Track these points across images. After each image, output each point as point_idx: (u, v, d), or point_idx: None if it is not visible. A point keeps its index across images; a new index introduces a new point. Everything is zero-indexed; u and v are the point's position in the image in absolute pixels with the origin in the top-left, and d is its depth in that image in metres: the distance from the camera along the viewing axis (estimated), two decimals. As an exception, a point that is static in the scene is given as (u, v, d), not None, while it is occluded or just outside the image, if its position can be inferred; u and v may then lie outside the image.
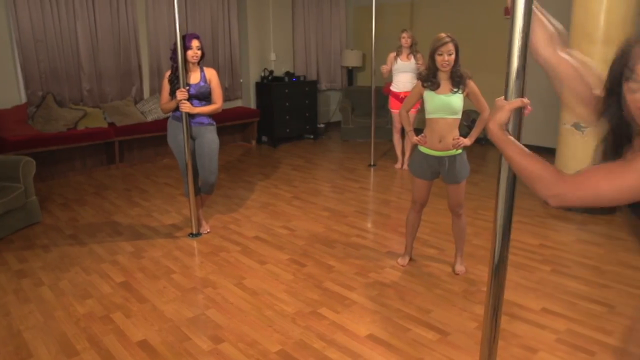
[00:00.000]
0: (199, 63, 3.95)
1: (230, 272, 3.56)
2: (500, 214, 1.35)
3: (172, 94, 3.88)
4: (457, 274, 3.48)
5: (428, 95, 3.27)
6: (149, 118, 6.61)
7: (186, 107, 3.81)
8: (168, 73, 3.95)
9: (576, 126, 4.55)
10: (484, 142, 7.20)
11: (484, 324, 1.46)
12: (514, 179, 1.32)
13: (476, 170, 5.94)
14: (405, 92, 5.82)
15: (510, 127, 1.29)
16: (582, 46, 4.42)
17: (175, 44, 3.76)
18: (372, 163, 6.43)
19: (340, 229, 4.34)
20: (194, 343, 2.73)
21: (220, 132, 4.20)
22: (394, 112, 6.04)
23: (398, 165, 6.31)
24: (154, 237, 4.22)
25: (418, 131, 3.48)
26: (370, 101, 6.50)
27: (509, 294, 3.16)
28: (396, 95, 6.02)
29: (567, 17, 4.67)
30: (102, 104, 6.43)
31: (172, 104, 3.88)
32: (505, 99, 1.30)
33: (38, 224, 4.51)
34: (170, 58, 3.92)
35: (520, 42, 1.21)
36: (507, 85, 1.27)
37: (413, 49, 5.88)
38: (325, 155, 7.21)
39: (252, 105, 7.93)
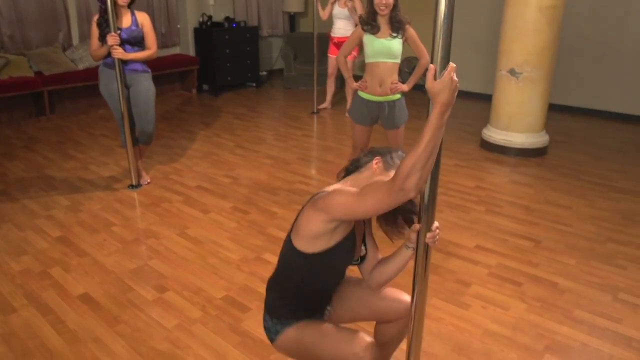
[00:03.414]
0: (129, 6, 3.72)
1: (172, 222, 3.52)
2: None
3: (102, 39, 3.66)
4: (398, 217, 3.59)
5: (368, 39, 3.26)
6: (80, 66, 6.23)
7: (118, 52, 3.62)
8: (96, 17, 3.70)
9: (512, 72, 4.68)
10: (424, 90, 7.29)
11: (416, 260, 1.53)
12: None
13: (416, 117, 6.02)
14: (339, 37, 5.91)
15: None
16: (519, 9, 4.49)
17: (103, -17, 3.52)
18: (315, 110, 6.42)
19: (283, 176, 4.35)
20: (137, 293, 2.72)
21: (158, 80, 4.05)
22: (331, 57, 6.19)
23: (323, 105, 6.52)
24: (91, 190, 4.08)
25: (357, 78, 3.48)
26: (312, 48, 6.40)
27: (445, 234, 3.32)
28: (332, 40, 6.08)
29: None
30: (26, 51, 5.99)
31: (103, 50, 3.67)
32: (433, 40, 1.30)
33: (-37, 180, 4.25)
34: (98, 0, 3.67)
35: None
36: (434, 28, 1.27)
37: None
38: (268, 104, 7.11)
39: (191, 52, 7.62)
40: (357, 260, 1.76)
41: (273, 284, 1.76)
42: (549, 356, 2.26)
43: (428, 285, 1.59)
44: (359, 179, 1.63)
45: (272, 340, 1.74)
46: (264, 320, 1.77)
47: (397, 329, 1.83)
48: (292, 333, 1.70)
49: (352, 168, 1.70)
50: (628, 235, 3.34)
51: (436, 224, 1.50)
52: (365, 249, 1.77)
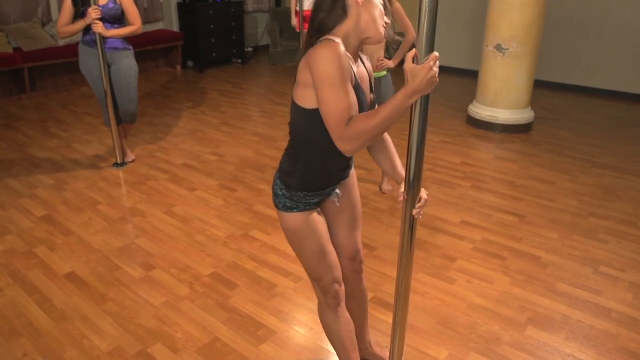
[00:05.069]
0: (107, -19, 3.62)
1: (159, 200, 3.51)
2: (414, 130, 1.38)
3: (77, 17, 3.55)
4: (384, 193, 3.62)
5: (354, 14, 3.21)
6: (61, 42, 6.08)
7: (99, 27, 3.53)
8: None
9: (498, 48, 4.67)
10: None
11: (402, 236, 1.54)
12: (427, 98, 1.34)
13: (404, 93, 6.03)
14: (308, 10, 5.84)
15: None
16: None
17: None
18: (301, 87, 6.36)
19: (270, 153, 4.34)
20: (124, 272, 2.72)
21: (142, 56, 3.97)
22: (304, 32, 6.05)
23: None
24: (75, 168, 4.03)
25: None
26: (298, 23, 6.31)
27: (431, 209, 3.35)
28: (299, 14, 5.97)
29: None
30: (4, 26, 5.83)
31: (78, 26, 3.56)
32: (419, 16, 1.28)
33: (-57, 159, 4.17)
34: None
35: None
36: (421, 6, 1.26)
37: None
38: (253, 80, 7.04)
39: (175, 27, 7.48)
40: None
41: (287, 150, 1.69)
42: (531, 328, 2.31)
43: (413, 260, 1.61)
44: (352, 32, 1.51)
45: (276, 206, 1.72)
46: (275, 182, 1.71)
47: (355, 307, 1.96)
48: (294, 220, 1.67)
49: (329, 22, 1.50)
50: (609, 210, 3.40)
51: (425, 196, 1.51)
52: None
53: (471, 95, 5.20)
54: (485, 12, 4.85)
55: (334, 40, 1.43)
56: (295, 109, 1.55)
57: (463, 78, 6.64)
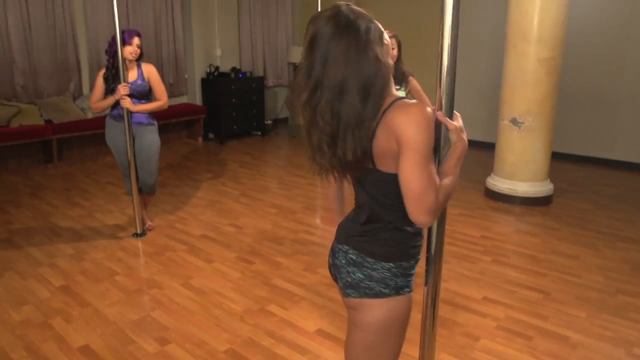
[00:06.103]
0: (137, 60, 3.82)
1: (176, 272, 3.49)
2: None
3: (108, 93, 3.74)
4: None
5: (372, 91, 3.32)
6: (90, 115, 6.36)
7: (127, 102, 3.69)
8: (102, 71, 3.80)
9: (513, 122, 4.74)
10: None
11: (424, 314, 1.51)
12: None
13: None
14: None
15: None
16: (517, 45, 4.61)
17: (114, 37, 3.63)
18: (320, 159, 6.46)
19: (288, 225, 4.34)
20: (139, 346, 2.67)
21: (165, 129, 4.11)
22: None
23: None
24: (96, 238, 4.08)
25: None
26: (317, 97, 6.52)
27: (452, 285, 3.27)
28: None
29: (504, 17, 4.86)
30: (37, 100, 6.13)
31: (109, 101, 3.74)
32: (437, 95, 1.34)
33: (-32, 228, 4.26)
34: (106, 52, 3.77)
35: (450, 40, 1.25)
36: (439, 82, 1.31)
37: None
38: (273, 152, 7.19)
39: (198, 101, 7.78)
40: None
41: (378, 230, 1.41)
42: (562, 415, 2.18)
43: (436, 340, 1.56)
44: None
45: (378, 295, 1.39)
46: (370, 266, 1.40)
47: None
48: (404, 303, 1.40)
49: (388, 89, 1.31)
50: (638, 286, 3.29)
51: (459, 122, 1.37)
52: None
53: (489, 168, 5.22)
54: (499, 87, 4.96)
55: (409, 99, 1.29)
56: (385, 177, 1.33)
57: (480, 151, 6.68)
